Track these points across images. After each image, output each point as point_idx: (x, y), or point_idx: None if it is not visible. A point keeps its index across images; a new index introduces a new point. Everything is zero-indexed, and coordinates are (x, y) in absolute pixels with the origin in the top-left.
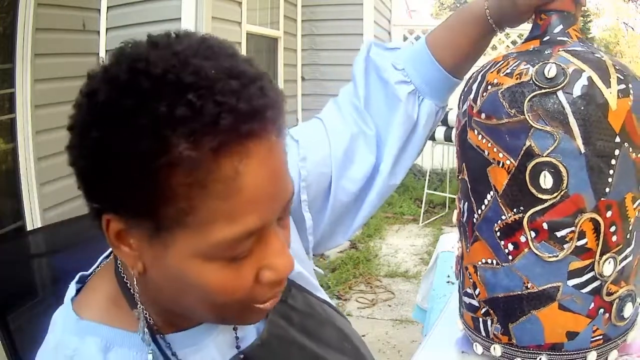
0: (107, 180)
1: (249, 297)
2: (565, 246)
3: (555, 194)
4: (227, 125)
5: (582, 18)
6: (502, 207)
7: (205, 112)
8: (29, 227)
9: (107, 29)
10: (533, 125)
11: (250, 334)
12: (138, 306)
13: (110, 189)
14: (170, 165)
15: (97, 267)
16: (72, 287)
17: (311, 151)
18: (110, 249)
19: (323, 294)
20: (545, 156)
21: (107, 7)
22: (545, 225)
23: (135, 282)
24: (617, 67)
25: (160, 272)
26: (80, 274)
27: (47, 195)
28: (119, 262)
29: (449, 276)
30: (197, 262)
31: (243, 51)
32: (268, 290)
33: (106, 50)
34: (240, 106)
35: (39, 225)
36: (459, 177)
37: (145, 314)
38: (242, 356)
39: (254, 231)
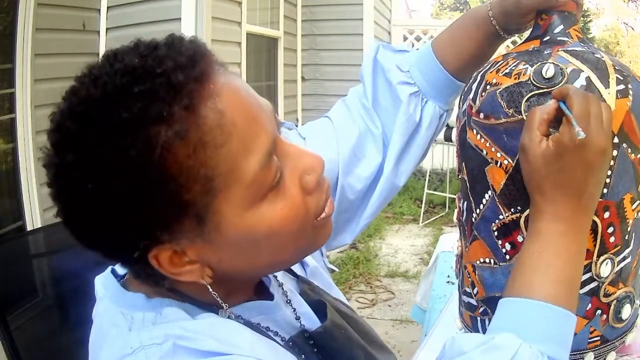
0: (131, 213)
1: (310, 213)
2: None
3: None
4: (181, 80)
5: (582, 18)
6: (500, 206)
7: (158, 88)
8: (29, 227)
9: (107, 29)
10: None
11: (313, 323)
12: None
13: (138, 219)
14: (167, 151)
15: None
16: (110, 277)
17: (318, 147)
18: None
19: (336, 291)
20: None
21: (107, 7)
22: None
23: (211, 290)
24: (617, 68)
25: (228, 254)
26: (110, 267)
27: (47, 195)
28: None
29: (449, 276)
30: (250, 213)
31: (243, 51)
32: (318, 194)
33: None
34: (179, 60)
35: (39, 225)
36: (459, 177)
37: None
38: (307, 334)
39: (271, 148)
